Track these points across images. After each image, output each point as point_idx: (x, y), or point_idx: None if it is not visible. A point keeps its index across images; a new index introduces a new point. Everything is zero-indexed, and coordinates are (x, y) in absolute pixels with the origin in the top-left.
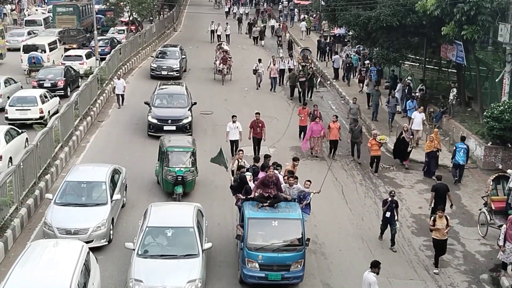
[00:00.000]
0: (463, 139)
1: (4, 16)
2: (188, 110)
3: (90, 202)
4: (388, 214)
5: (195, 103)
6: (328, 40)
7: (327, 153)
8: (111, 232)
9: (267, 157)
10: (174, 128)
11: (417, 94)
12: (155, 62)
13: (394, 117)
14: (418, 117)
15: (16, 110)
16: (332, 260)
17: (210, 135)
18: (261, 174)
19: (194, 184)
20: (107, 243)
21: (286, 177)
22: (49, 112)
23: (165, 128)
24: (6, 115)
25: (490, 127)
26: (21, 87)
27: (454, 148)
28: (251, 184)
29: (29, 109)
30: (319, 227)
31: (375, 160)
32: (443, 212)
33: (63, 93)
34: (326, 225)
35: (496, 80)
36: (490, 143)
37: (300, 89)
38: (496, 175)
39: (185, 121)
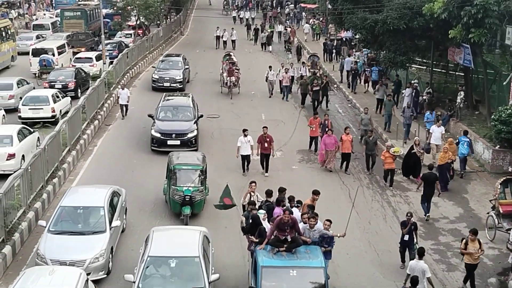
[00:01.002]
0: (465, 133)
1: (11, 21)
2: (194, 123)
3: (87, 230)
4: (406, 237)
5: (201, 116)
6: (334, 43)
7: (339, 167)
8: (110, 262)
9: (282, 190)
10: (178, 142)
11: (424, 97)
12: (157, 73)
13: (409, 129)
14: (437, 131)
15: (29, 109)
16: (339, 263)
17: (217, 138)
18: (277, 210)
19: (204, 204)
20: (105, 275)
21: (305, 216)
22: (60, 111)
23: (169, 142)
24: (19, 114)
25: (497, 130)
26: (34, 88)
27: (457, 141)
28: (266, 224)
29: (42, 108)
30: None
31: (390, 173)
32: (476, 236)
33: (73, 94)
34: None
35: (504, 83)
36: (498, 146)
37: (313, 98)
38: (504, 178)
39: (190, 135)
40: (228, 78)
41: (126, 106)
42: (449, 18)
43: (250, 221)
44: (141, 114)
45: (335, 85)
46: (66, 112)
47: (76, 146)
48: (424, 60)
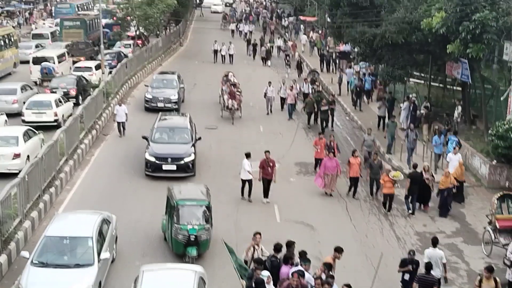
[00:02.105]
0: (455, 133)
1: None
2: (191, 146)
3: (74, 263)
4: (407, 277)
5: (199, 139)
6: (333, 55)
7: (347, 192)
8: None
9: (290, 245)
10: (174, 167)
11: (422, 111)
12: (151, 92)
13: (412, 153)
14: (454, 159)
15: (32, 113)
16: (335, 277)
17: (215, 150)
18: (284, 270)
19: (209, 243)
20: None
21: (318, 282)
22: (63, 116)
23: (164, 167)
24: (22, 118)
25: (495, 145)
26: (37, 93)
27: (447, 140)
28: None
29: (44, 113)
30: (323, 243)
31: (388, 198)
32: (491, 273)
33: (75, 101)
34: (330, 242)
35: (501, 99)
36: (495, 161)
37: (321, 118)
38: (501, 193)
39: (187, 159)
40: (230, 101)
41: (124, 123)
42: (447, 33)
43: (253, 285)
44: (140, 127)
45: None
46: (70, 115)
47: (74, 156)
48: (422, 74)
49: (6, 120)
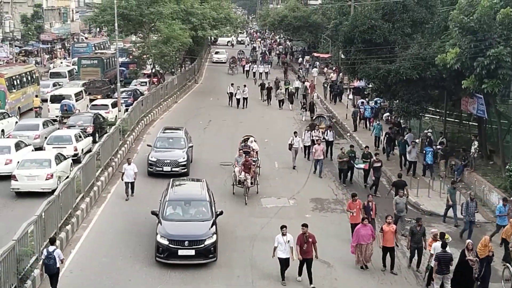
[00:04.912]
0: (430, 143)
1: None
2: (212, 224)
3: None
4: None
5: (221, 213)
6: (342, 88)
7: (382, 266)
8: None
9: None
10: (193, 252)
11: (438, 147)
12: (154, 154)
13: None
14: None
15: (53, 147)
16: None
17: (230, 186)
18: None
19: None
20: None
21: None
22: (82, 150)
23: (181, 252)
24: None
25: None
26: (58, 128)
27: (424, 152)
28: None
29: (65, 147)
30: (340, 280)
31: None
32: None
33: (91, 139)
34: (347, 278)
35: None
36: None
37: (375, 177)
38: None
39: (208, 241)
40: (243, 174)
41: (132, 184)
42: (462, 69)
43: None
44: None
45: (348, 134)
46: (89, 151)
47: (90, 193)
48: (437, 110)
49: (33, 150)
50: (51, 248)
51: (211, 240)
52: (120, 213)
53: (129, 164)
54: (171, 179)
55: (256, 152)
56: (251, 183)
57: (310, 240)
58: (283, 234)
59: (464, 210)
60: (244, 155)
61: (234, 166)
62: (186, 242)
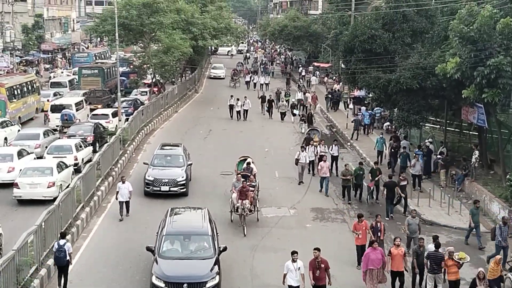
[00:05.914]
0: (419, 147)
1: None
2: (215, 262)
3: None
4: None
5: (225, 249)
6: (341, 94)
7: None
8: None
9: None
10: None
11: (438, 156)
12: (151, 173)
13: (507, 252)
14: None
15: (54, 157)
16: None
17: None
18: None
19: None
20: None
21: None
22: (82, 159)
23: None
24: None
25: None
26: (58, 138)
27: (414, 154)
28: None
29: (65, 157)
30: None
31: (454, 285)
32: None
33: (92, 148)
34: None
35: None
36: None
37: (400, 197)
38: None
39: (210, 284)
40: (240, 202)
41: (127, 203)
42: (462, 78)
43: None
44: None
45: (348, 144)
46: (88, 161)
47: (90, 203)
48: (437, 119)
49: (35, 158)
50: (62, 242)
51: (213, 282)
52: (121, 222)
53: (123, 182)
54: (169, 208)
55: (254, 175)
56: (250, 210)
57: (323, 265)
58: (293, 261)
59: (498, 235)
60: (242, 179)
61: (232, 192)
62: (185, 285)
